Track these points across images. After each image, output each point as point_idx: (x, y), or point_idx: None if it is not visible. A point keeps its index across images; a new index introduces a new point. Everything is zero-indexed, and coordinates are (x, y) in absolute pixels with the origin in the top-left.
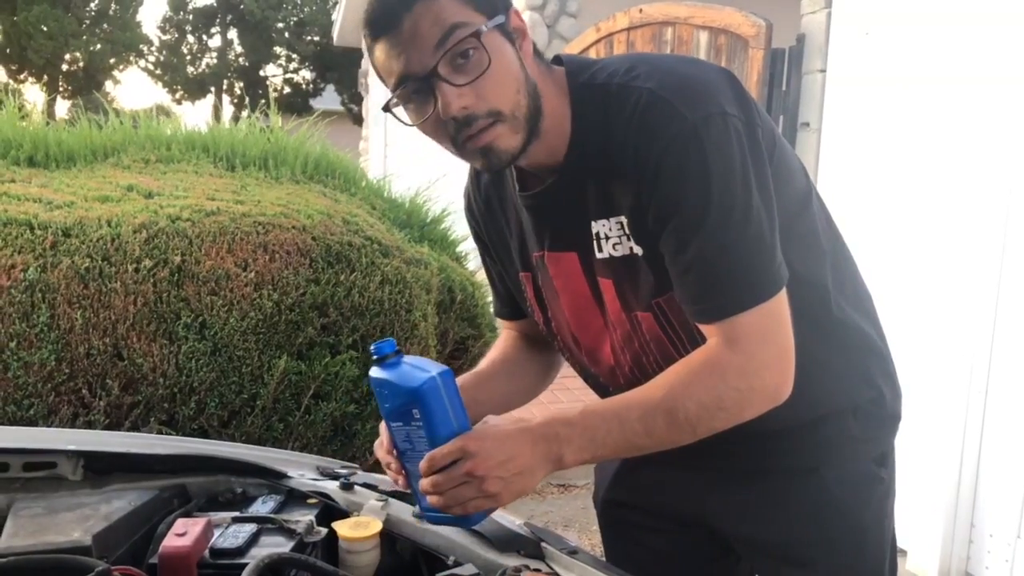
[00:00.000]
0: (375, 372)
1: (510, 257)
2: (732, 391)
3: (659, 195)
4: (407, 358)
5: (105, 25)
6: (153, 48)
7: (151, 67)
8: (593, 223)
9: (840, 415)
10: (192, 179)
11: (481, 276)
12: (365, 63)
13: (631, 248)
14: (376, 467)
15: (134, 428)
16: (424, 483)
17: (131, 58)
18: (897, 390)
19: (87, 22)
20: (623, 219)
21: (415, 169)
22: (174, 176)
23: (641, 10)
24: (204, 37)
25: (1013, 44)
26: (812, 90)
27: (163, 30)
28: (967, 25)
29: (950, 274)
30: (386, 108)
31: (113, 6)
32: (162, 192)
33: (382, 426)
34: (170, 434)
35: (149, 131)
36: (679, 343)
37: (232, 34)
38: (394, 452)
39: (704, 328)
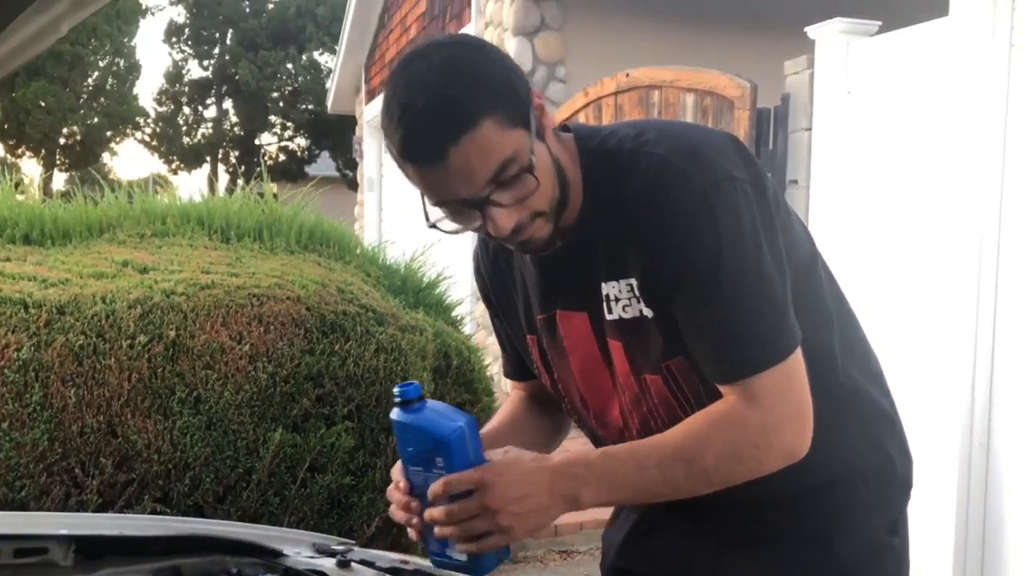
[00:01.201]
0: (398, 415)
1: (516, 320)
2: (750, 447)
3: (671, 259)
4: (430, 403)
5: (102, 99)
6: (149, 120)
7: (147, 138)
8: (603, 284)
9: (849, 481)
10: (187, 252)
11: (477, 340)
12: (360, 130)
13: (641, 310)
14: (373, 540)
15: (128, 507)
16: (436, 511)
17: (128, 130)
18: (908, 457)
19: (84, 97)
20: (633, 281)
21: (411, 233)
22: (169, 250)
23: (628, 74)
24: (199, 108)
25: (985, 106)
26: (799, 148)
27: (159, 102)
28: (943, 94)
29: (941, 330)
30: (432, 225)
31: (110, 81)
32: (157, 267)
33: (397, 468)
34: (164, 512)
35: (144, 205)
36: (687, 406)
37: (227, 104)
38: (410, 495)
39: (722, 388)
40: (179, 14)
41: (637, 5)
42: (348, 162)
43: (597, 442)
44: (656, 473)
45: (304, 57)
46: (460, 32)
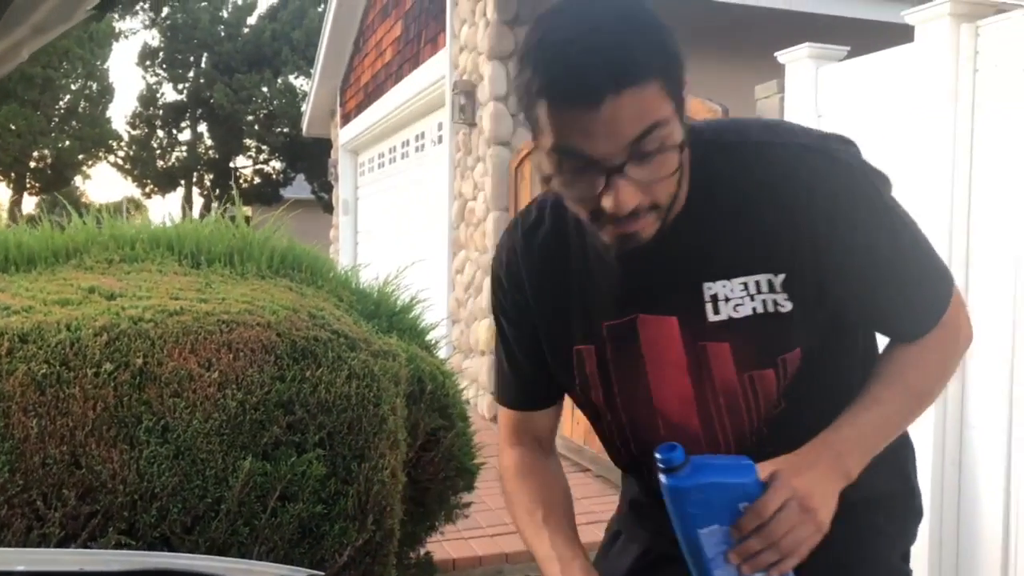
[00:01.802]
0: (678, 481)
1: (563, 330)
2: (953, 357)
3: (855, 244)
4: (693, 457)
5: (74, 122)
6: (123, 143)
7: (120, 162)
8: (707, 285)
9: (871, 504)
10: (156, 278)
11: (453, 364)
12: (335, 153)
13: (775, 305)
14: (344, 570)
15: (92, 539)
16: (752, 542)
17: (100, 153)
18: (919, 489)
19: (56, 120)
20: (765, 277)
21: (387, 256)
22: (138, 276)
23: None
24: (174, 131)
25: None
26: None
27: (133, 125)
28: (910, 116)
29: None
30: (547, 178)
31: (83, 104)
32: (125, 293)
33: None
34: (130, 544)
35: (113, 230)
36: (782, 399)
37: (202, 127)
38: (697, 559)
39: (914, 338)
40: (153, 37)
41: None
42: (323, 185)
43: (625, 460)
44: (895, 416)
45: (279, 80)
46: None
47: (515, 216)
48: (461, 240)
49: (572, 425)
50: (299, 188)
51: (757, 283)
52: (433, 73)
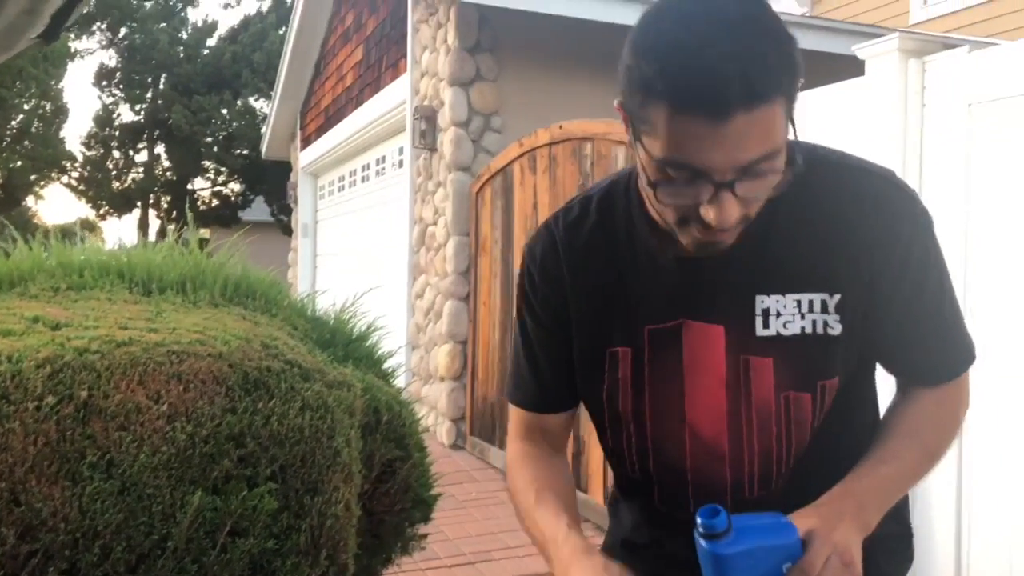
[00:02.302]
0: (722, 549)
1: (599, 330)
2: (959, 422)
3: (907, 275)
4: (733, 518)
5: (27, 142)
6: (77, 164)
7: (75, 183)
8: (760, 297)
9: (875, 543)
10: (105, 307)
11: (412, 391)
12: (294, 175)
13: (825, 326)
14: None
15: None
16: None
17: (54, 174)
18: (913, 531)
19: (8, 140)
20: (820, 297)
21: (346, 280)
22: (85, 304)
23: (561, 126)
24: (130, 152)
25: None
26: None
27: (88, 146)
28: (863, 145)
29: None
30: (652, 184)
31: (36, 123)
32: (71, 323)
33: None
34: None
35: (61, 257)
36: (816, 430)
37: (159, 149)
38: None
39: (928, 386)
40: (110, 58)
41: (571, 57)
42: (283, 207)
43: (637, 477)
44: (911, 472)
45: (239, 102)
46: None
47: (555, 211)
48: (421, 265)
49: None
50: (258, 211)
51: (811, 302)
52: (394, 98)
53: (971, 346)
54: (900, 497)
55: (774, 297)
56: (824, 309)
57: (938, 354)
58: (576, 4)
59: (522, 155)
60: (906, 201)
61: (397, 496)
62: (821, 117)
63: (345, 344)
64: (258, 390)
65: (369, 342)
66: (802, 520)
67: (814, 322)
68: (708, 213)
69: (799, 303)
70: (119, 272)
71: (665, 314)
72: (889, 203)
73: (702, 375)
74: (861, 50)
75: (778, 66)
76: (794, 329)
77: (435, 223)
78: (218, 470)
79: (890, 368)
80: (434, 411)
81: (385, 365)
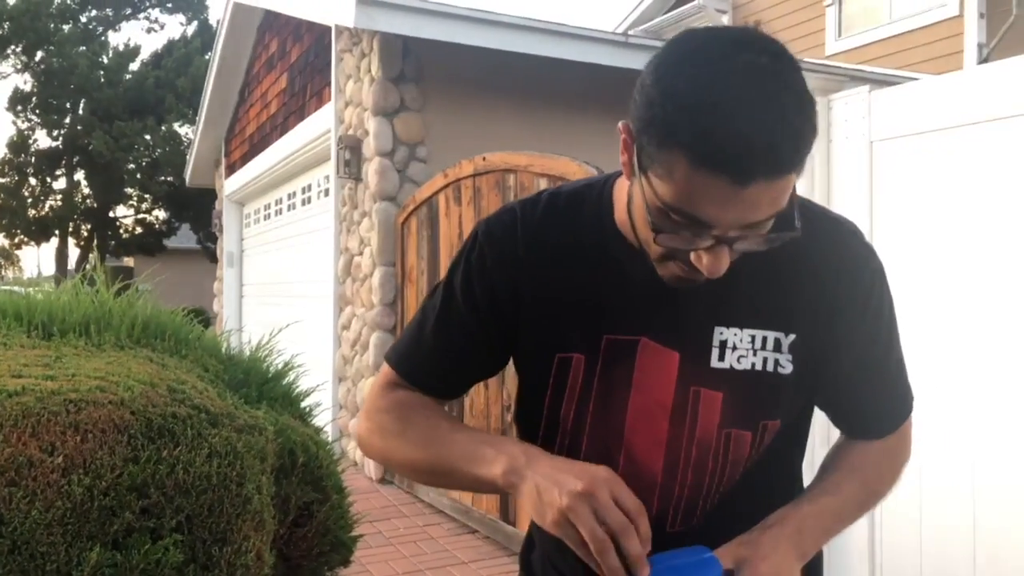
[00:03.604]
0: None
1: (552, 334)
2: (905, 461)
3: (864, 325)
4: (655, 557)
5: None
6: None
7: None
8: (720, 329)
9: None
10: None
11: (340, 423)
12: (219, 204)
13: (776, 365)
14: None
15: None
16: None
17: None
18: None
19: None
20: (774, 335)
21: (272, 311)
22: None
23: (484, 158)
24: (48, 179)
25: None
26: None
27: (1, 173)
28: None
29: None
30: (656, 230)
31: None
32: None
33: None
34: None
35: None
36: (751, 471)
37: (79, 175)
38: None
39: (871, 438)
40: (25, 82)
41: (495, 88)
42: (209, 235)
43: None
44: (851, 507)
45: (163, 128)
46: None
47: (519, 201)
48: (347, 295)
49: None
50: (184, 238)
51: (765, 339)
52: (319, 126)
53: (910, 395)
54: (840, 530)
55: (732, 330)
56: (777, 347)
57: (882, 406)
58: (496, 35)
59: (447, 186)
60: (867, 252)
61: (315, 540)
62: None
63: (260, 384)
64: (162, 438)
65: (286, 380)
66: (733, 550)
67: (765, 359)
68: (701, 260)
69: (753, 339)
70: (17, 315)
71: (625, 327)
72: (851, 251)
73: (648, 399)
74: None
75: (806, 140)
76: (746, 364)
77: (361, 253)
78: (118, 523)
79: (837, 420)
80: (352, 444)
81: (305, 403)
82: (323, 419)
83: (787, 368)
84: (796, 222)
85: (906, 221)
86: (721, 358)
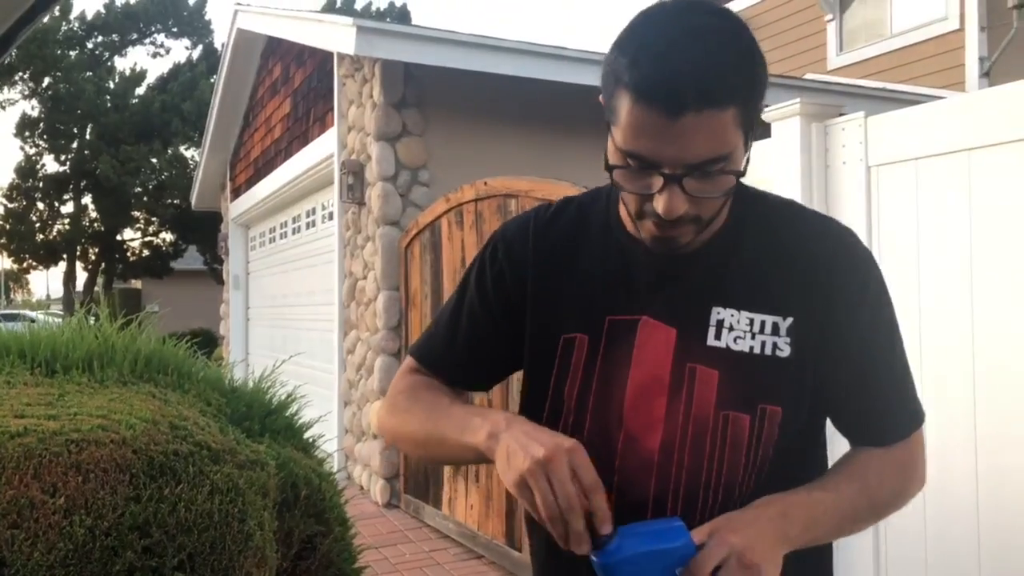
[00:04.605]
0: (606, 558)
1: (556, 316)
2: (912, 482)
3: (863, 315)
4: (621, 529)
5: None
6: None
7: None
8: (717, 309)
9: None
10: (2, 392)
11: (345, 447)
12: (225, 227)
13: (775, 348)
14: None
15: None
16: None
17: None
18: None
19: None
20: (772, 319)
21: (278, 333)
22: None
23: (486, 183)
24: (56, 203)
25: None
26: None
27: (9, 198)
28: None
29: None
30: (609, 168)
31: None
32: None
33: None
34: None
35: None
36: (752, 458)
37: (86, 199)
38: None
39: (879, 445)
40: (33, 108)
41: (497, 112)
42: (216, 256)
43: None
44: (847, 507)
45: (169, 151)
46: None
47: (537, 206)
48: (352, 320)
49: (466, 509)
50: (191, 260)
51: (763, 323)
52: (322, 151)
53: (919, 410)
54: (830, 526)
55: (730, 311)
56: (775, 331)
57: (888, 410)
58: (497, 60)
59: (449, 210)
60: (864, 250)
61: (318, 572)
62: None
63: (263, 416)
64: (164, 476)
65: (289, 411)
66: (711, 524)
67: (763, 343)
68: (658, 203)
69: (752, 321)
70: (20, 352)
71: (627, 307)
72: (848, 245)
73: (648, 376)
74: (767, 113)
75: (734, 78)
76: (743, 346)
77: (365, 277)
78: (120, 564)
79: (844, 426)
80: (368, 469)
81: (307, 435)
82: (330, 447)
83: (785, 351)
84: (745, 167)
85: (907, 246)
86: (718, 337)
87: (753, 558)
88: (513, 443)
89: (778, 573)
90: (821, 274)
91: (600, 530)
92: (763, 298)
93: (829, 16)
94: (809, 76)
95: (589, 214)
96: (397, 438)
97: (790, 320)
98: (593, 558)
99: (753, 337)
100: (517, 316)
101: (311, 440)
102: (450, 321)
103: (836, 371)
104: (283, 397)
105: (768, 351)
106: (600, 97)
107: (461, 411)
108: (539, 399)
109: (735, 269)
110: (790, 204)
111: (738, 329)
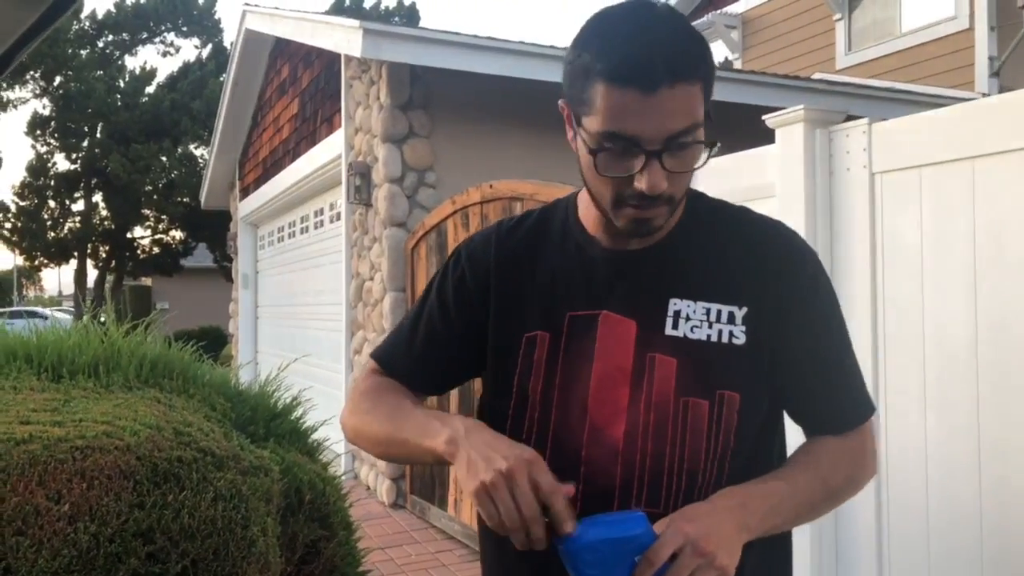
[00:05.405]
0: (568, 545)
1: (518, 317)
2: (864, 471)
3: (816, 306)
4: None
5: None
6: (10, 215)
7: (7, 233)
8: (673, 300)
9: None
10: (9, 398)
11: (352, 449)
12: (234, 226)
13: (731, 336)
14: None
15: None
16: None
17: None
18: None
19: None
20: (728, 308)
21: (287, 332)
22: None
23: (491, 186)
24: (67, 201)
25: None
26: None
27: (21, 196)
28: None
29: None
30: (593, 152)
31: None
32: None
33: None
34: None
35: None
36: (713, 443)
37: (97, 197)
38: None
39: (830, 433)
40: (44, 106)
41: (502, 113)
42: (226, 254)
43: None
44: (803, 495)
45: (179, 150)
46: None
47: (502, 219)
48: (359, 320)
49: (471, 511)
50: (201, 257)
51: (719, 312)
52: (330, 152)
53: (869, 400)
54: (788, 514)
55: (686, 302)
56: (731, 320)
57: (840, 401)
58: (502, 61)
59: (455, 212)
60: (812, 251)
61: None
62: (734, 181)
63: (267, 420)
64: (168, 482)
65: (293, 415)
66: (670, 516)
67: (720, 331)
68: (641, 182)
69: (708, 311)
70: (27, 357)
71: (586, 303)
72: (798, 244)
73: (610, 367)
74: (771, 119)
75: (697, 56)
76: (700, 335)
77: (372, 278)
78: (124, 569)
79: (798, 414)
80: (375, 469)
81: (312, 438)
82: (339, 447)
83: (740, 339)
84: (715, 139)
85: (910, 253)
86: (675, 326)
87: (708, 547)
88: (474, 453)
89: (735, 561)
90: (773, 266)
91: (562, 530)
92: (718, 288)
93: (837, 16)
94: (817, 76)
95: (549, 220)
96: (359, 437)
97: (745, 309)
98: (557, 545)
99: (710, 326)
100: (477, 320)
101: (316, 443)
102: (411, 327)
103: (791, 359)
104: (288, 400)
105: (724, 339)
106: (560, 102)
107: (422, 414)
108: (504, 395)
109: (690, 262)
110: (741, 207)
111: (695, 319)
